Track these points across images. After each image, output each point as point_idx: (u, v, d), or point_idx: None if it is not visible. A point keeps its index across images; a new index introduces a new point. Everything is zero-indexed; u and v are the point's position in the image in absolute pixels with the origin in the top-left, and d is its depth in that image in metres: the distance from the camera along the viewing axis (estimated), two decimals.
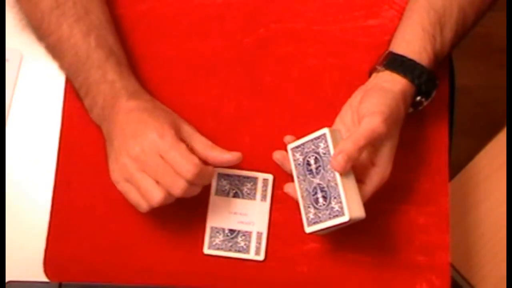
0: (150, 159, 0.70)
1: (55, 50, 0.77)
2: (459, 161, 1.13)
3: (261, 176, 0.80)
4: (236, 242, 0.78)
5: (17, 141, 0.83)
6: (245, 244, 0.78)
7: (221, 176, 0.79)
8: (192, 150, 0.73)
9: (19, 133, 0.83)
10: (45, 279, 0.78)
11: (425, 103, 0.78)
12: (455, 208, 1.09)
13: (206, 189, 0.78)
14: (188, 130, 0.75)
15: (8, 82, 0.84)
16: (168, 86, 0.83)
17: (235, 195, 0.79)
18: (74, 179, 0.80)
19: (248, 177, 0.79)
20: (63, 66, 0.78)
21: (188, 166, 0.69)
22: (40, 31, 0.77)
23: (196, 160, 0.70)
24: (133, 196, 0.71)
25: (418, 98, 0.77)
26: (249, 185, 0.79)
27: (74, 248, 0.79)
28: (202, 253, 0.78)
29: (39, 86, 0.85)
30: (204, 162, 0.73)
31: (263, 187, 0.79)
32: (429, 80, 0.76)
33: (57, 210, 0.80)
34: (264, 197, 0.79)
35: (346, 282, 0.79)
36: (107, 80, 0.75)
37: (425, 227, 0.80)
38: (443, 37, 0.77)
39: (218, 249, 0.78)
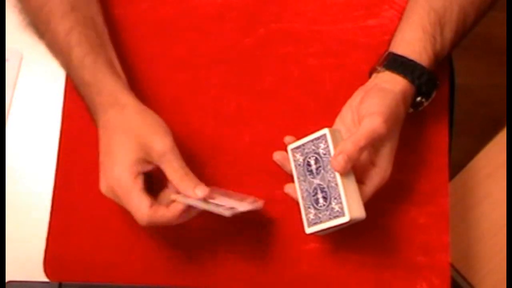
0: (113, 197, 0.71)
1: (50, 49, 0.77)
2: (459, 161, 1.13)
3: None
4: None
5: (17, 141, 0.83)
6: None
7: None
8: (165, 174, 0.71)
9: (19, 133, 0.83)
10: (45, 279, 0.78)
11: (425, 104, 0.78)
12: (455, 208, 1.10)
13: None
14: (159, 153, 0.70)
15: (8, 82, 0.84)
16: (168, 86, 0.83)
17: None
18: (74, 179, 0.80)
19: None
20: (59, 64, 0.77)
21: (137, 216, 0.70)
22: (38, 30, 0.77)
23: (143, 210, 0.69)
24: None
25: (418, 98, 0.77)
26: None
27: (74, 248, 0.79)
28: (201, 253, 0.78)
29: (39, 86, 0.85)
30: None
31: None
32: (430, 81, 0.76)
33: (57, 210, 0.80)
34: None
35: (346, 282, 0.79)
36: (85, 82, 0.73)
37: (425, 227, 0.80)
38: (443, 37, 0.77)
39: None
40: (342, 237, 0.78)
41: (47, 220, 0.79)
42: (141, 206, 0.69)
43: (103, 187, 0.72)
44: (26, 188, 0.82)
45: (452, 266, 1.11)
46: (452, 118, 0.91)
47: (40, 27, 0.76)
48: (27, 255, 0.79)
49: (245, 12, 0.85)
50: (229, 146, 0.81)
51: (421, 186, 0.81)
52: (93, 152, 0.79)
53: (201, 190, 0.70)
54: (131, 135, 0.70)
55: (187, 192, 0.70)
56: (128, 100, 0.73)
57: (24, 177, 0.82)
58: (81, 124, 0.80)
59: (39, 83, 0.85)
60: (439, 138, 0.83)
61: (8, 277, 0.76)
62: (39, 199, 0.81)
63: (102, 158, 0.72)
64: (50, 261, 0.78)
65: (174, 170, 0.70)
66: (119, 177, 0.69)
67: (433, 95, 0.77)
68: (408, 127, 0.76)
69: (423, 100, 0.77)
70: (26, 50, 0.85)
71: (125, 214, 0.76)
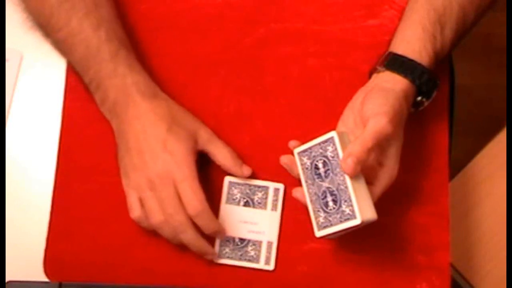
0: (162, 185, 0.72)
1: (64, 45, 0.77)
2: (459, 161, 1.13)
3: (272, 185, 0.79)
4: (246, 252, 0.78)
5: (17, 141, 0.83)
6: (255, 254, 0.78)
7: (232, 184, 0.79)
8: (211, 157, 0.77)
9: (19, 133, 0.83)
10: (45, 279, 0.78)
11: (425, 103, 0.78)
12: (455, 208, 1.10)
13: (217, 198, 0.79)
14: (205, 138, 0.76)
15: (8, 82, 0.84)
16: (168, 86, 0.83)
17: (246, 204, 0.79)
18: (74, 179, 0.80)
19: (259, 186, 0.79)
20: (73, 60, 0.78)
21: (194, 202, 0.71)
22: (49, 27, 0.77)
23: (202, 198, 0.72)
24: (133, 201, 0.74)
25: (419, 98, 0.77)
26: (260, 194, 0.79)
27: (74, 248, 0.79)
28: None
29: (39, 86, 0.85)
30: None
31: (274, 196, 0.79)
32: (430, 80, 0.76)
33: (57, 210, 0.80)
34: (275, 207, 0.79)
35: (346, 282, 0.79)
36: (118, 74, 0.75)
37: (425, 227, 0.80)
38: (444, 36, 0.77)
39: (228, 258, 0.78)
40: (342, 237, 0.78)
41: (47, 220, 0.79)
42: (200, 194, 0.71)
43: (135, 183, 0.73)
44: (26, 188, 0.82)
45: (452, 266, 1.11)
46: (452, 118, 0.91)
47: (56, 23, 0.76)
48: (27, 255, 0.79)
49: (245, 12, 0.85)
50: (229, 146, 0.81)
51: (421, 186, 0.81)
52: (93, 152, 0.79)
53: (247, 169, 0.78)
54: (181, 125, 0.75)
55: (236, 170, 0.77)
56: (164, 95, 0.78)
57: (24, 177, 0.82)
58: (81, 124, 0.80)
59: (39, 83, 0.85)
60: (439, 138, 0.83)
61: (8, 277, 0.76)
62: (39, 199, 0.81)
63: (138, 149, 0.73)
64: (50, 261, 0.78)
65: (221, 149, 0.77)
66: (180, 164, 0.72)
67: (434, 94, 0.77)
68: (408, 127, 0.76)
69: (424, 99, 0.77)
70: (26, 50, 0.85)
71: (125, 214, 0.76)
